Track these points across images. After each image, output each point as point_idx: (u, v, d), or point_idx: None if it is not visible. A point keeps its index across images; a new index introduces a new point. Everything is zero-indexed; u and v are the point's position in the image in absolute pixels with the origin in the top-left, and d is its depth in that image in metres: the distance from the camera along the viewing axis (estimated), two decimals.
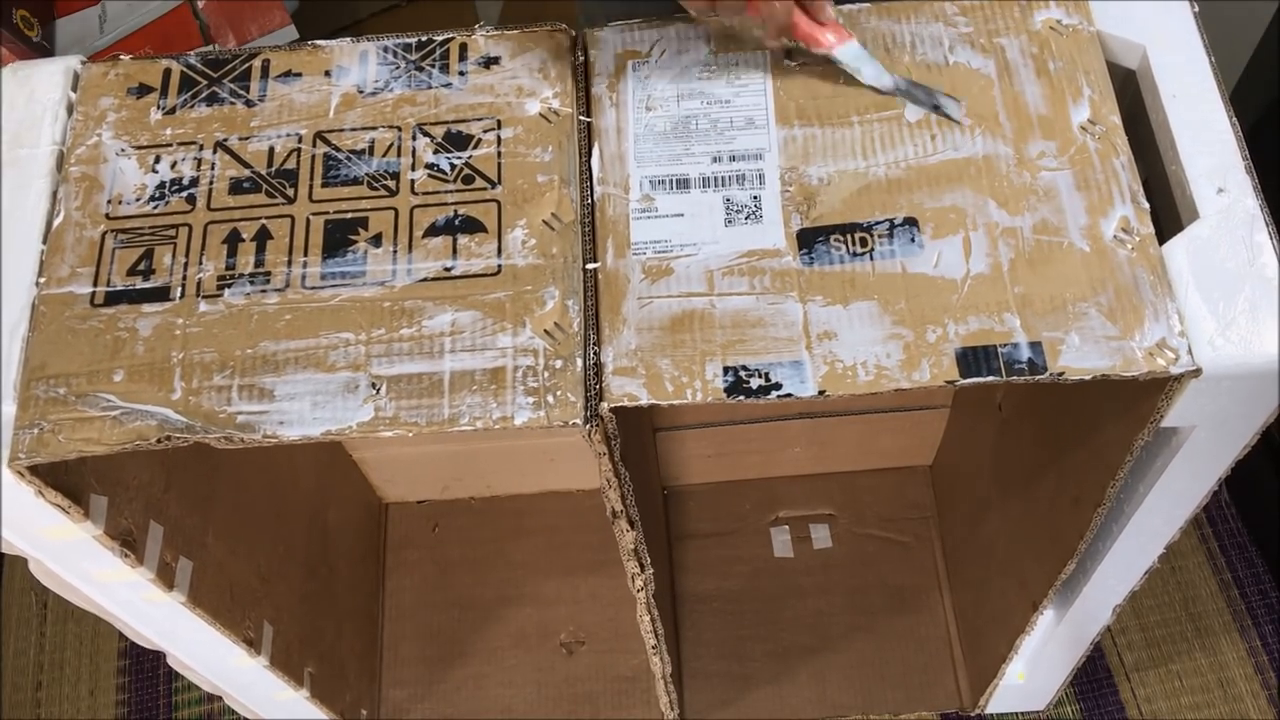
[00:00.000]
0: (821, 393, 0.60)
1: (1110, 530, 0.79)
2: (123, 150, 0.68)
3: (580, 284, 0.63)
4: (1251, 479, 1.24)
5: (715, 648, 1.21)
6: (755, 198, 0.65)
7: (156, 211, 0.66)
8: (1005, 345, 0.60)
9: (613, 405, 0.60)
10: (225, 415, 0.61)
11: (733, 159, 0.67)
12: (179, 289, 0.64)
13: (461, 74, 0.70)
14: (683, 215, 0.65)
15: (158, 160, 0.68)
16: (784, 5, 0.65)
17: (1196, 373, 0.59)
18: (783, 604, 1.23)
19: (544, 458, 1.24)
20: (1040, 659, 1.02)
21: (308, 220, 0.66)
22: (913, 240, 0.63)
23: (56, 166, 0.67)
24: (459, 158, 0.67)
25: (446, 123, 0.68)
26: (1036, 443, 0.89)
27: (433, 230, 0.65)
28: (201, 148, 0.68)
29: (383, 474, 1.25)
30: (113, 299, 0.64)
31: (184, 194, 0.67)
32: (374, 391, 0.61)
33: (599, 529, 1.18)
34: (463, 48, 0.71)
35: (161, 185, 0.67)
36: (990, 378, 0.60)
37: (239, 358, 0.62)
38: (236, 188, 0.67)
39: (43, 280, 0.65)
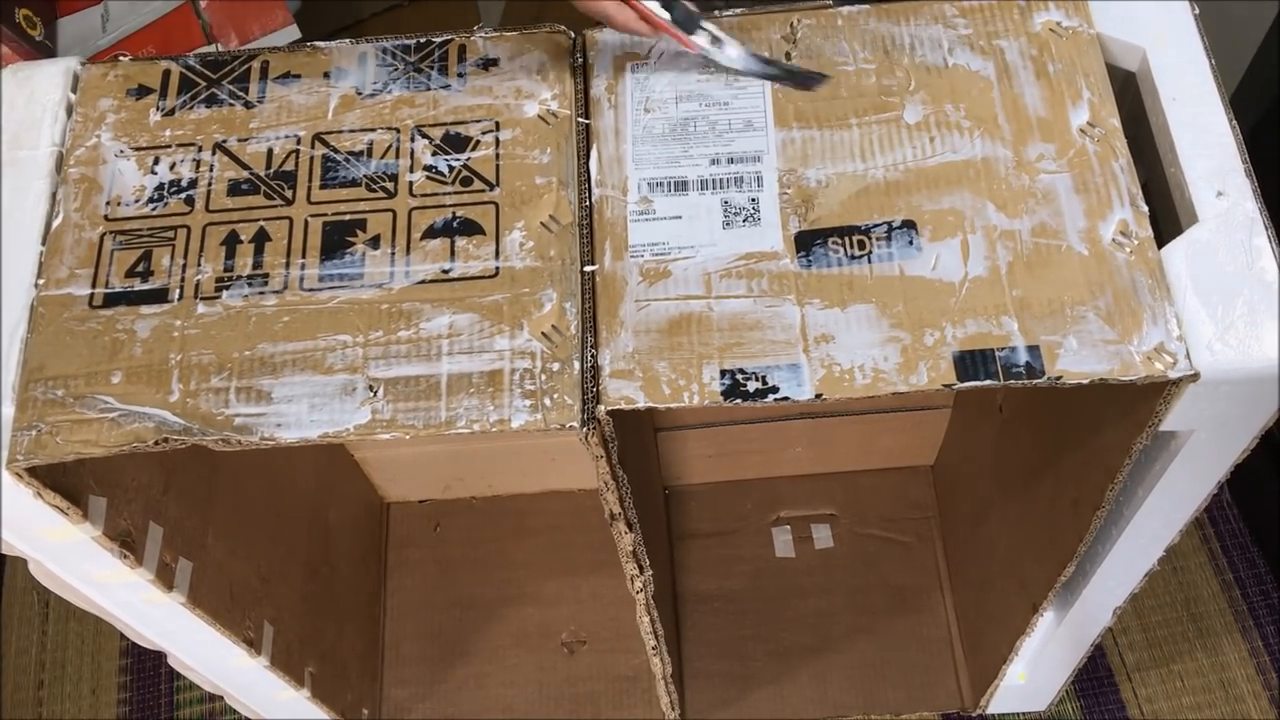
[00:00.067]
0: (818, 396, 0.60)
1: (1109, 533, 0.79)
2: (122, 152, 0.68)
3: (578, 286, 0.63)
4: (1253, 479, 1.24)
5: (716, 647, 1.21)
6: (753, 200, 0.65)
7: (155, 213, 0.66)
8: (1003, 349, 0.60)
9: (610, 408, 0.60)
10: (223, 417, 0.61)
11: (731, 161, 0.67)
12: (177, 291, 0.64)
13: (460, 76, 0.70)
14: (681, 217, 0.65)
15: (157, 162, 0.68)
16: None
17: (1194, 377, 0.59)
18: (784, 604, 1.23)
19: (545, 457, 1.24)
20: (1041, 659, 1.02)
21: (306, 222, 0.66)
22: (911, 243, 0.63)
23: (56, 168, 0.68)
24: (457, 160, 0.67)
25: (445, 124, 0.68)
26: (1036, 445, 0.88)
27: (431, 232, 0.65)
28: (200, 149, 0.68)
29: (384, 474, 1.26)
30: (111, 300, 0.64)
31: (183, 195, 0.67)
32: (371, 394, 0.61)
33: (600, 529, 1.17)
34: (461, 49, 0.71)
35: (160, 187, 0.67)
36: (988, 381, 0.60)
37: (237, 360, 0.62)
38: (235, 189, 0.67)
39: (42, 281, 0.65)
